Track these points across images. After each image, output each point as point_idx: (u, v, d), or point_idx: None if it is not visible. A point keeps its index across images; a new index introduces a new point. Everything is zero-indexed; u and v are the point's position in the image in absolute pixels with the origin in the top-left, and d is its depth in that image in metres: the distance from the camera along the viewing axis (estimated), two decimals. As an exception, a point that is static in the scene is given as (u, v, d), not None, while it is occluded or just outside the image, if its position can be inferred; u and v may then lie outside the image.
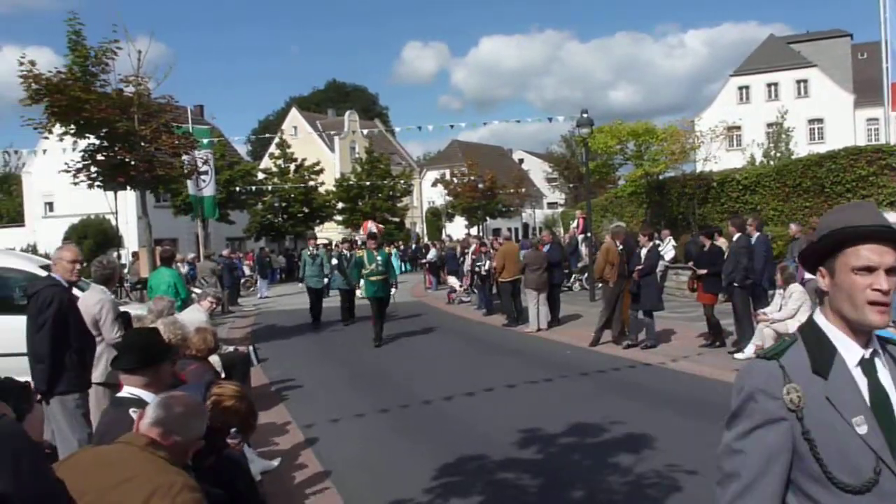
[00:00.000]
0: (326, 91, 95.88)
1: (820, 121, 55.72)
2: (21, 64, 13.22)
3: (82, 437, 5.42)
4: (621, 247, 12.27)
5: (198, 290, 13.58)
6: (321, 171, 44.78)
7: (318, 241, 20.02)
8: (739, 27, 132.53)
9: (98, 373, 6.13)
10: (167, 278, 11.24)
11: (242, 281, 27.11)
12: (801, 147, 36.52)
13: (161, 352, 3.95)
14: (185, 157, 16.25)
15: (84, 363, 5.74)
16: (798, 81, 57.17)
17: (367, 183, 47.41)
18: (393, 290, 15.00)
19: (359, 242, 23.85)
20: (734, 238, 11.02)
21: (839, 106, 55.13)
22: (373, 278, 13.92)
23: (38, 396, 5.46)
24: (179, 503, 2.43)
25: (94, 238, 34.64)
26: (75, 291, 6.16)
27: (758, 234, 11.45)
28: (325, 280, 17.89)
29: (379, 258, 14.02)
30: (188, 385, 4.37)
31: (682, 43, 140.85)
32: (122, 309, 6.84)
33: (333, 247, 24.98)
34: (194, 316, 8.27)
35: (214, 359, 7.94)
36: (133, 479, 2.45)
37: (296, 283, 28.19)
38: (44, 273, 8.38)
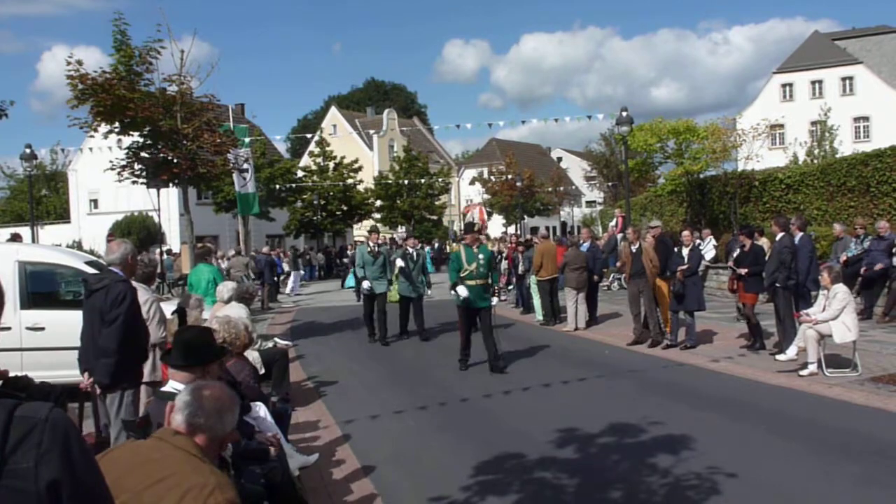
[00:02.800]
0: (365, 89, 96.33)
1: (866, 118, 54.61)
2: (68, 64, 13.51)
3: (132, 418, 5.55)
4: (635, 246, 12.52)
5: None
6: (360, 169, 45.02)
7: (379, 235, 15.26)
8: (786, 23, 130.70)
9: (146, 371, 6.25)
10: (206, 274, 11.43)
11: (281, 278, 27.33)
12: (847, 145, 35.79)
13: (213, 352, 4.01)
14: (228, 155, 16.47)
15: (143, 359, 5.92)
16: (843, 78, 56.07)
17: (406, 181, 47.56)
18: (429, 291, 14.25)
19: (398, 241, 23.61)
20: (777, 238, 10.84)
21: (886, 103, 53.87)
22: (471, 282, 10.96)
23: (99, 390, 5.62)
24: None
25: (136, 235, 35.29)
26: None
27: (801, 233, 11.26)
28: (390, 285, 14.46)
29: (481, 256, 11.05)
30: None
31: (726, 40, 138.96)
32: (177, 304, 6.95)
33: (400, 243, 20.27)
34: (235, 311, 8.38)
35: (254, 355, 8.05)
36: (166, 479, 2.48)
37: (332, 280, 28.16)
38: (90, 269, 8.58)
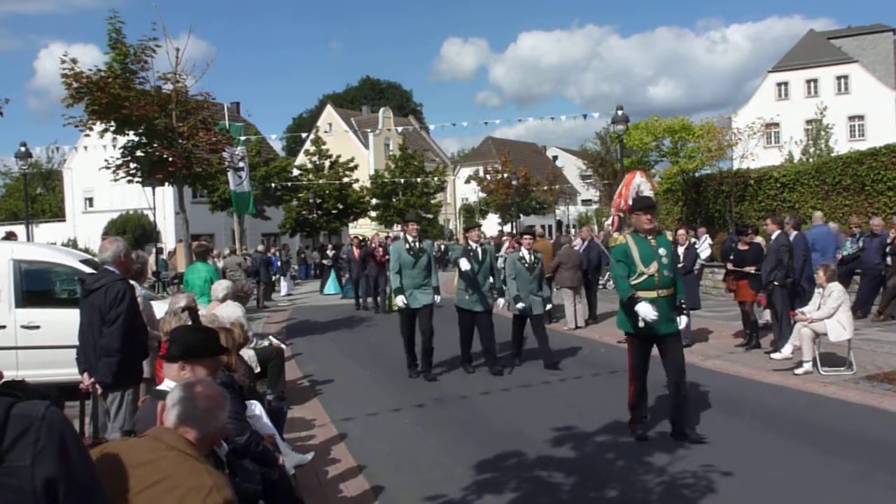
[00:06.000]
0: (361, 88, 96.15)
1: (861, 117, 54.66)
2: (63, 63, 13.47)
3: (130, 428, 5.56)
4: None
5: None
6: (355, 167, 45.00)
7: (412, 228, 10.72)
8: (783, 21, 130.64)
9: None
10: (203, 273, 11.40)
11: (276, 277, 27.16)
12: (842, 144, 35.92)
13: (214, 348, 4.01)
14: (224, 154, 16.44)
15: (143, 357, 5.94)
16: (838, 77, 56.12)
17: (402, 179, 47.56)
18: (501, 302, 11.01)
19: (393, 236, 23.31)
20: (773, 236, 10.86)
21: (881, 102, 53.97)
22: (650, 294, 6.93)
23: (100, 389, 5.62)
24: None
25: (132, 233, 35.24)
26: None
27: (795, 232, 11.28)
28: (437, 296, 10.45)
29: (662, 251, 7.09)
30: None
31: (724, 38, 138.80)
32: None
33: (460, 238, 14.60)
34: (230, 310, 8.37)
35: (249, 353, 8.04)
36: (162, 482, 2.46)
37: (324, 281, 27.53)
38: (85, 268, 8.57)
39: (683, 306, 7.16)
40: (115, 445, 2.81)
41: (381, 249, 19.75)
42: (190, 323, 5.20)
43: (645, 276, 6.85)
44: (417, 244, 10.34)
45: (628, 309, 6.88)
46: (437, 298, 10.39)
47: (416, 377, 10.32)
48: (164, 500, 2.42)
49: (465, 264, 10.33)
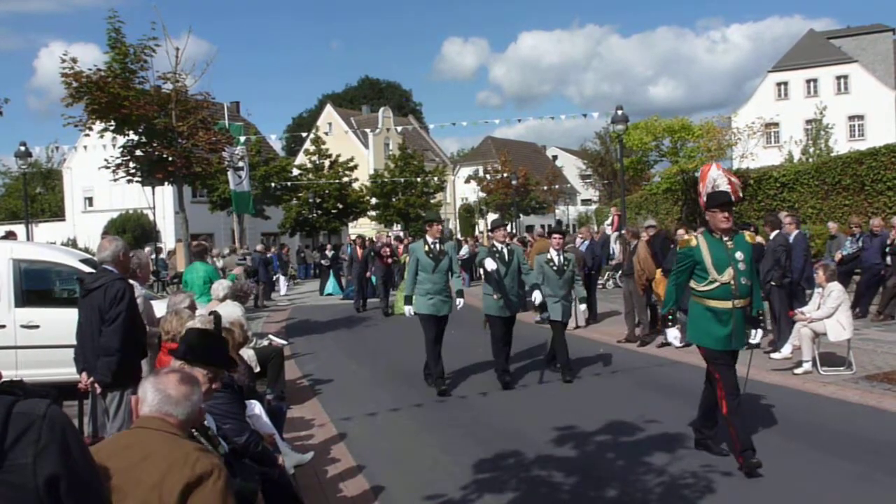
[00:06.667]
0: (360, 87, 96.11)
1: (860, 117, 54.69)
2: (63, 62, 13.48)
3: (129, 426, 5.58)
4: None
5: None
6: (355, 167, 45.00)
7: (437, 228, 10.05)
8: (784, 21, 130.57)
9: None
10: (201, 273, 11.41)
11: (276, 276, 27.07)
12: (841, 144, 35.95)
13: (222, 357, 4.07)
14: (223, 153, 16.45)
15: (143, 356, 5.95)
16: (838, 77, 56.13)
17: (401, 179, 47.57)
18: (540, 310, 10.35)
19: (391, 238, 23.15)
20: (771, 236, 10.87)
21: (881, 102, 54.01)
22: (725, 304, 5.93)
23: (99, 389, 5.62)
24: (199, 469, 2.58)
25: (131, 233, 35.24)
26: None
27: (796, 231, 11.29)
28: (460, 301, 9.71)
29: (739, 255, 6.03)
30: None
31: (724, 38, 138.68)
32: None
33: (482, 239, 12.85)
34: (229, 310, 8.36)
35: (249, 353, 8.04)
36: (149, 457, 2.60)
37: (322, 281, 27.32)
38: (85, 267, 8.57)
39: (761, 318, 6.40)
40: (106, 440, 2.97)
41: (387, 249, 19.50)
42: (202, 325, 5.18)
43: (717, 284, 5.96)
44: (439, 246, 9.56)
45: (664, 324, 6.35)
46: (460, 303, 9.66)
47: (446, 395, 9.26)
48: (154, 472, 2.54)
49: (490, 264, 9.43)
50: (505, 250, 9.73)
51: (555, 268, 10.06)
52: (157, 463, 2.57)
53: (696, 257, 6.05)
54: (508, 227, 10.24)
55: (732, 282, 5.91)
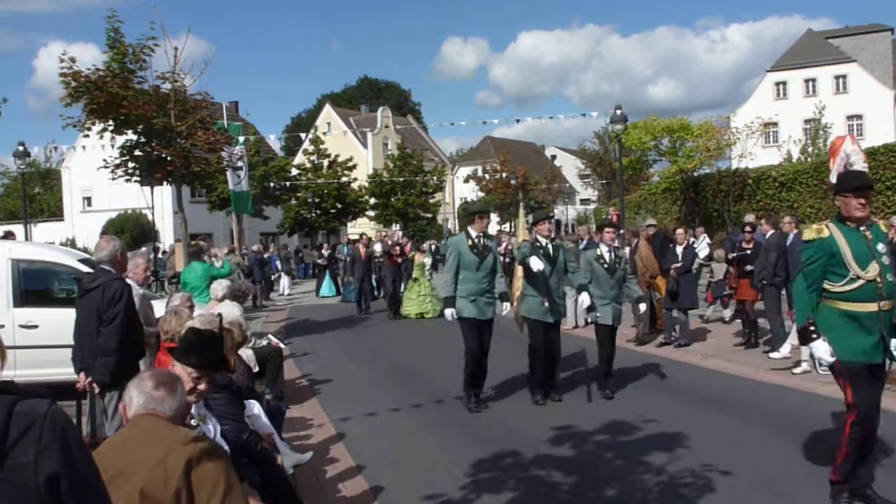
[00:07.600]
0: (359, 87, 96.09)
1: (859, 117, 54.68)
2: (62, 62, 13.47)
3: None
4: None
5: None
6: (354, 167, 45.01)
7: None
8: (783, 21, 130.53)
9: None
10: (199, 272, 11.43)
11: (274, 276, 27.01)
12: (840, 144, 35.83)
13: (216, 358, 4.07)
14: (222, 153, 16.45)
15: (141, 356, 5.97)
16: (837, 77, 56.13)
17: (400, 179, 47.58)
18: (596, 314, 9.24)
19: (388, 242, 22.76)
20: (767, 236, 10.88)
21: (879, 102, 54.01)
22: (869, 308, 4.88)
23: (97, 389, 5.62)
24: (200, 446, 2.68)
25: (130, 233, 35.22)
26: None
27: (796, 231, 11.29)
28: (507, 305, 9.01)
29: (881, 247, 4.99)
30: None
31: (724, 38, 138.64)
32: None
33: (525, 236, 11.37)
34: (228, 310, 8.36)
35: (248, 353, 8.04)
36: (150, 441, 2.68)
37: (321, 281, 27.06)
38: (83, 267, 8.57)
39: None
40: (105, 441, 3.12)
41: (397, 248, 18.92)
42: (206, 324, 5.18)
43: (861, 283, 4.86)
44: (483, 241, 8.42)
45: (803, 340, 5.27)
46: (506, 307, 8.85)
47: (478, 411, 8.36)
48: (155, 451, 2.62)
49: (536, 263, 8.14)
50: (550, 246, 8.60)
51: (606, 266, 8.98)
52: (159, 444, 2.66)
53: (832, 250, 4.93)
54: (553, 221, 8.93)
55: (879, 279, 4.85)
